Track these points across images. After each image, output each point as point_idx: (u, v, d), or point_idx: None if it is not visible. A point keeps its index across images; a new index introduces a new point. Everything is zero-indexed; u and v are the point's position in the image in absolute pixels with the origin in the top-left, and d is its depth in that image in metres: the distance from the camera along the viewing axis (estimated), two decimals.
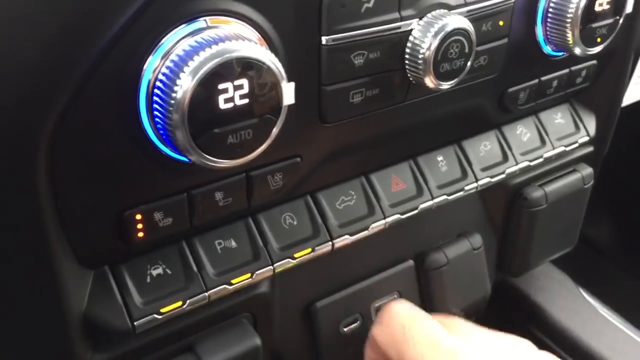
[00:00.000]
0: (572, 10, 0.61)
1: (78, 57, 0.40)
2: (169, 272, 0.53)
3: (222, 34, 0.43)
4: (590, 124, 0.80)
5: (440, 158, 0.69)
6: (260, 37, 0.47)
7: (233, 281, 0.56)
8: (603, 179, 1.34)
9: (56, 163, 0.43)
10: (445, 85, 0.55)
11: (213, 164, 0.44)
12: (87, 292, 0.50)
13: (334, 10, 0.49)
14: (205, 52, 0.41)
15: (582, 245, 1.45)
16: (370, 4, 0.50)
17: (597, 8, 0.62)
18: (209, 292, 0.54)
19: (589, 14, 0.61)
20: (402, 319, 0.58)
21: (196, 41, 0.42)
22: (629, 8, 0.66)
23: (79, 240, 0.47)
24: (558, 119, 0.77)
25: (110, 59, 0.41)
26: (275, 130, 0.46)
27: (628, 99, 1.01)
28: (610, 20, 0.64)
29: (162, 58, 0.42)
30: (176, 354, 0.57)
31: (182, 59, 0.42)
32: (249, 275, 0.56)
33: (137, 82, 0.43)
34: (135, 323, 0.51)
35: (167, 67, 0.42)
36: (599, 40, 0.64)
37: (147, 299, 0.52)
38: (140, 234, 0.49)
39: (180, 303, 0.53)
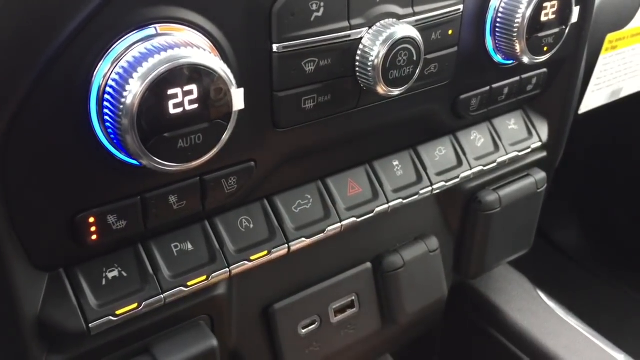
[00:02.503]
0: (519, 21, 0.63)
1: (28, 63, 0.41)
2: (124, 274, 0.54)
3: (173, 41, 0.44)
4: (543, 130, 0.83)
5: (395, 162, 0.70)
6: (211, 44, 0.48)
7: (189, 283, 0.56)
8: (570, 182, 1.37)
9: (7, 166, 0.43)
10: (395, 92, 0.57)
11: (164, 168, 0.45)
12: (41, 295, 0.51)
13: (284, 19, 0.50)
14: (154, 58, 0.42)
15: (548, 248, 1.48)
16: (320, 13, 0.52)
17: (543, 18, 0.64)
18: (164, 294, 0.55)
19: (535, 23, 0.64)
20: None
21: (146, 48, 0.44)
22: (574, 18, 0.68)
23: (32, 244, 0.48)
24: (511, 125, 0.80)
25: (60, 64, 0.42)
26: (226, 135, 0.48)
27: (587, 106, 1.04)
28: (556, 30, 0.66)
29: (112, 64, 0.44)
30: (132, 356, 0.57)
31: (131, 65, 0.43)
32: (205, 277, 0.57)
33: (88, 87, 0.44)
34: (90, 325, 0.52)
35: (117, 73, 0.43)
36: (545, 49, 0.66)
37: (102, 301, 0.52)
38: (94, 237, 0.50)
39: (135, 305, 0.54)
